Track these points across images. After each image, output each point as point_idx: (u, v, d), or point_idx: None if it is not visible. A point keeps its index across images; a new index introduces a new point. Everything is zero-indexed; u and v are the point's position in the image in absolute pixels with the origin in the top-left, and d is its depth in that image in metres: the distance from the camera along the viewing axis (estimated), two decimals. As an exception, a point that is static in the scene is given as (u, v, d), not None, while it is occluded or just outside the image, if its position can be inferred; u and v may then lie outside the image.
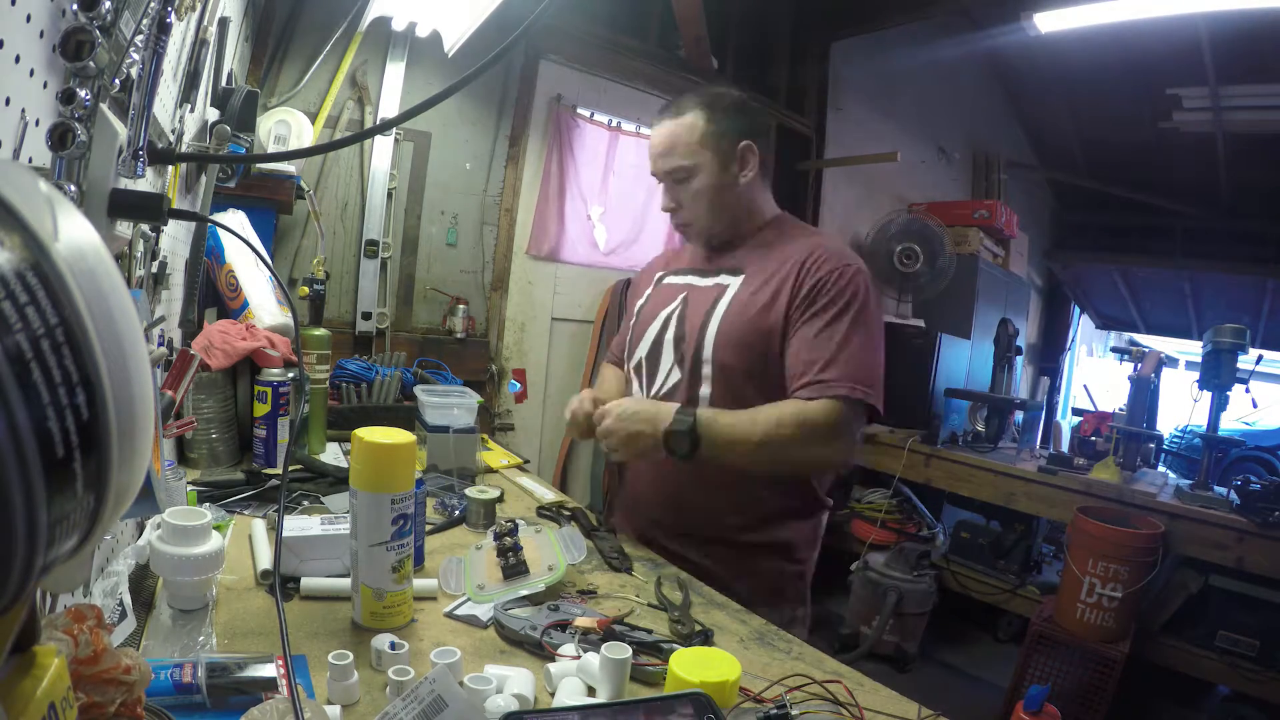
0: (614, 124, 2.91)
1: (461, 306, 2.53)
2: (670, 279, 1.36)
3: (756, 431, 1.09)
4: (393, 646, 0.79)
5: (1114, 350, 3.19)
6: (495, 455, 1.83)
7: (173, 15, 0.72)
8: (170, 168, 1.14)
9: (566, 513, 1.36)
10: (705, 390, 1.20)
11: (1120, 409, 2.95)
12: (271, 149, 1.95)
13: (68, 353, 0.26)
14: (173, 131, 1.11)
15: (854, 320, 1.12)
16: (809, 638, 1.12)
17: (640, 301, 1.39)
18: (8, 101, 0.51)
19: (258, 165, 1.81)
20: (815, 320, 1.13)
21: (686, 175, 1.22)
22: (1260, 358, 2.64)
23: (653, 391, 1.27)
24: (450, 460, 1.55)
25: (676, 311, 1.27)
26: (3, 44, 0.49)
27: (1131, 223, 5.43)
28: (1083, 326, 6.59)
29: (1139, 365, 2.82)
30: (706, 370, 1.20)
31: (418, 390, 1.74)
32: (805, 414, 1.09)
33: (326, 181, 2.27)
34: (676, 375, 1.23)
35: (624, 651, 0.79)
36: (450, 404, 1.62)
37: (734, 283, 1.22)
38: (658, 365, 1.27)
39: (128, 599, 0.78)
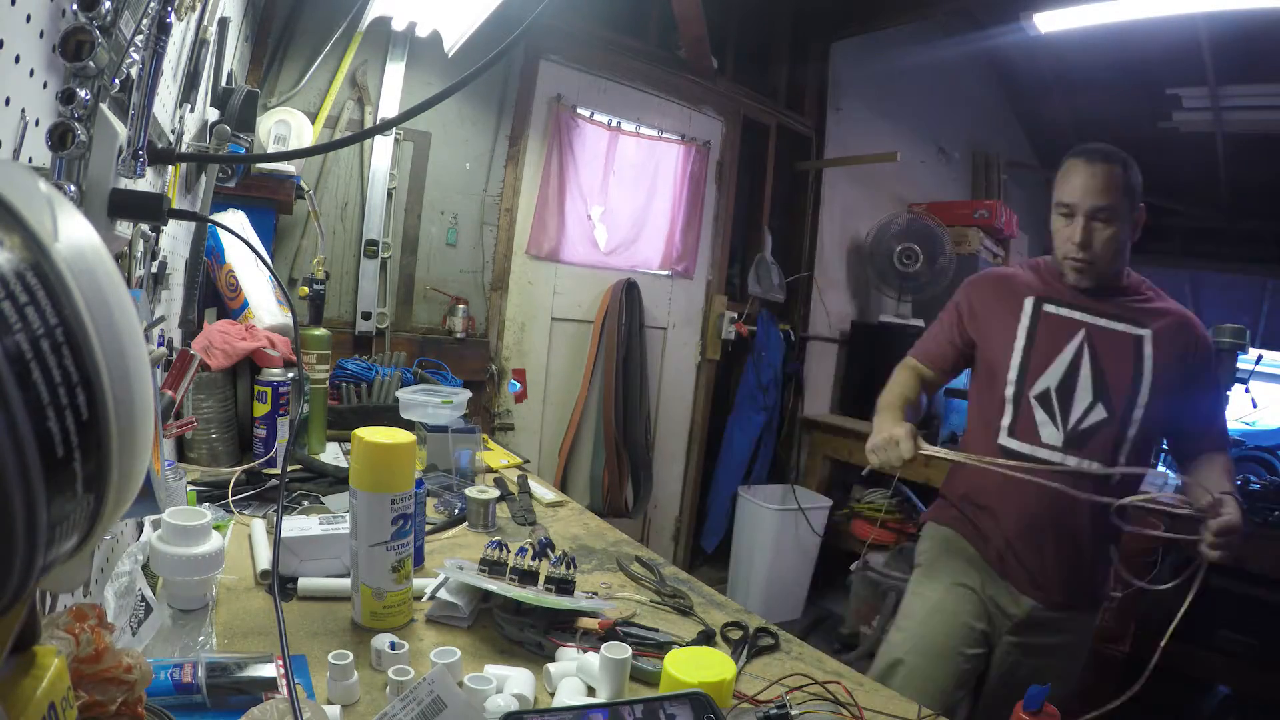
0: (614, 124, 2.91)
1: (461, 306, 2.53)
2: (1056, 310, 1.39)
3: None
4: (393, 646, 0.79)
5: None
6: (495, 455, 1.83)
7: (173, 15, 0.72)
8: (170, 168, 1.14)
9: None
10: (1132, 432, 1.31)
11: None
12: (271, 149, 1.95)
13: (68, 353, 0.26)
14: (173, 131, 1.11)
15: (1219, 389, 1.42)
16: (808, 638, 1.12)
17: (1024, 325, 1.40)
18: (8, 101, 0.51)
19: (258, 165, 1.81)
20: (1209, 389, 1.38)
21: (1108, 218, 1.31)
22: (1260, 358, 2.64)
23: (1070, 423, 1.33)
24: (450, 460, 1.55)
25: (1086, 349, 1.34)
26: (3, 44, 0.49)
27: (1131, 223, 5.42)
28: (1083, 326, 6.59)
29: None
30: (1137, 414, 1.31)
31: (400, 391, 1.70)
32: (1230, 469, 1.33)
33: (326, 181, 2.27)
34: (1102, 414, 1.32)
35: (624, 651, 0.79)
36: (426, 402, 1.58)
37: (1145, 335, 1.33)
38: (1072, 399, 1.33)
39: (149, 594, 0.77)
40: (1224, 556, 1.19)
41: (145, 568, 0.86)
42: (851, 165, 3.67)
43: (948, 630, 1.39)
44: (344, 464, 1.50)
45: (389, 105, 2.28)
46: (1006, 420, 1.37)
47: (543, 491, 1.57)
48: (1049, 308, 1.39)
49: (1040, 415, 1.34)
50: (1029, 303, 1.40)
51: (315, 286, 1.65)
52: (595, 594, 1.05)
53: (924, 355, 1.53)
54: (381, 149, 2.32)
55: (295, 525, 1.01)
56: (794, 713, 0.78)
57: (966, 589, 1.41)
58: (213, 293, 1.69)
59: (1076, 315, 1.37)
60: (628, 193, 3.00)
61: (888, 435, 1.28)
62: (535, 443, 2.88)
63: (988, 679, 1.43)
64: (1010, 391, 1.37)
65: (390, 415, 1.68)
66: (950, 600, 1.41)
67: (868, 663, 1.48)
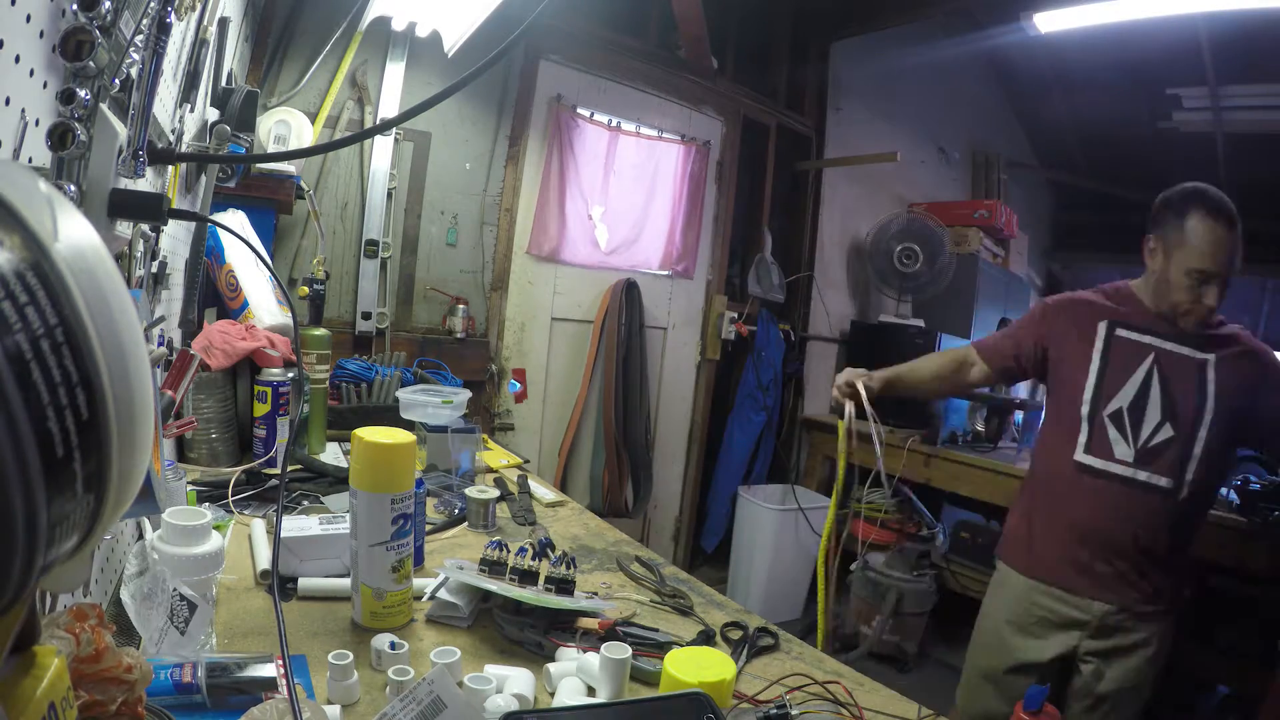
0: (614, 124, 2.91)
1: (461, 306, 2.53)
2: (1127, 334, 1.46)
3: None
4: (393, 646, 0.79)
5: (1114, 350, 3.19)
6: (495, 455, 1.83)
7: (173, 15, 0.72)
8: (170, 168, 1.14)
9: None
10: (1198, 449, 1.38)
11: (1120, 409, 2.94)
12: (271, 149, 1.95)
13: (67, 353, 0.26)
14: (173, 131, 1.11)
15: None
16: (808, 638, 1.12)
17: (1098, 348, 1.47)
18: (8, 101, 0.51)
19: (258, 165, 1.81)
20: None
21: (1228, 277, 1.40)
22: (1260, 358, 2.63)
23: (1140, 441, 1.40)
24: (450, 460, 1.55)
25: (1155, 371, 1.41)
26: (3, 44, 0.49)
27: (1131, 223, 5.38)
28: (1083, 326, 6.59)
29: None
30: (1202, 433, 1.37)
31: (400, 391, 1.71)
32: None
33: (326, 181, 2.27)
34: (1169, 432, 1.39)
35: (624, 651, 0.79)
36: (426, 402, 1.59)
37: (1209, 360, 1.40)
38: (1142, 418, 1.40)
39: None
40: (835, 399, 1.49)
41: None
42: (851, 165, 3.67)
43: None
44: (344, 464, 1.50)
45: (389, 105, 2.28)
46: (1083, 438, 1.44)
47: (543, 491, 1.57)
48: (1122, 333, 1.47)
49: (1113, 433, 1.42)
50: (1103, 326, 1.48)
51: (315, 286, 1.65)
52: (595, 594, 1.05)
53: (982, 347, 1.65)
54: (381, 149, 2.32)
55: (295, 525, 1.01)
56: (794, 713, 0.78)
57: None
58: (213, 293, 1.69)
59: (1142, 339, 1.45)
60: (628, 193, 3.00)
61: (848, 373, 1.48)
62: (535, 443, 2.88)
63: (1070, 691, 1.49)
64: (1085, 410, 1.44)
65: (390, 415, 1.68)
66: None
67: (868, 663, 1.49)
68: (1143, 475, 1.37)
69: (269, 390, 1.46)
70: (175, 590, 0.75)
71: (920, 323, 3.64)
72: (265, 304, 1.65)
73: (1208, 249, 1.38)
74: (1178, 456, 1.37)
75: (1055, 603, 1.45)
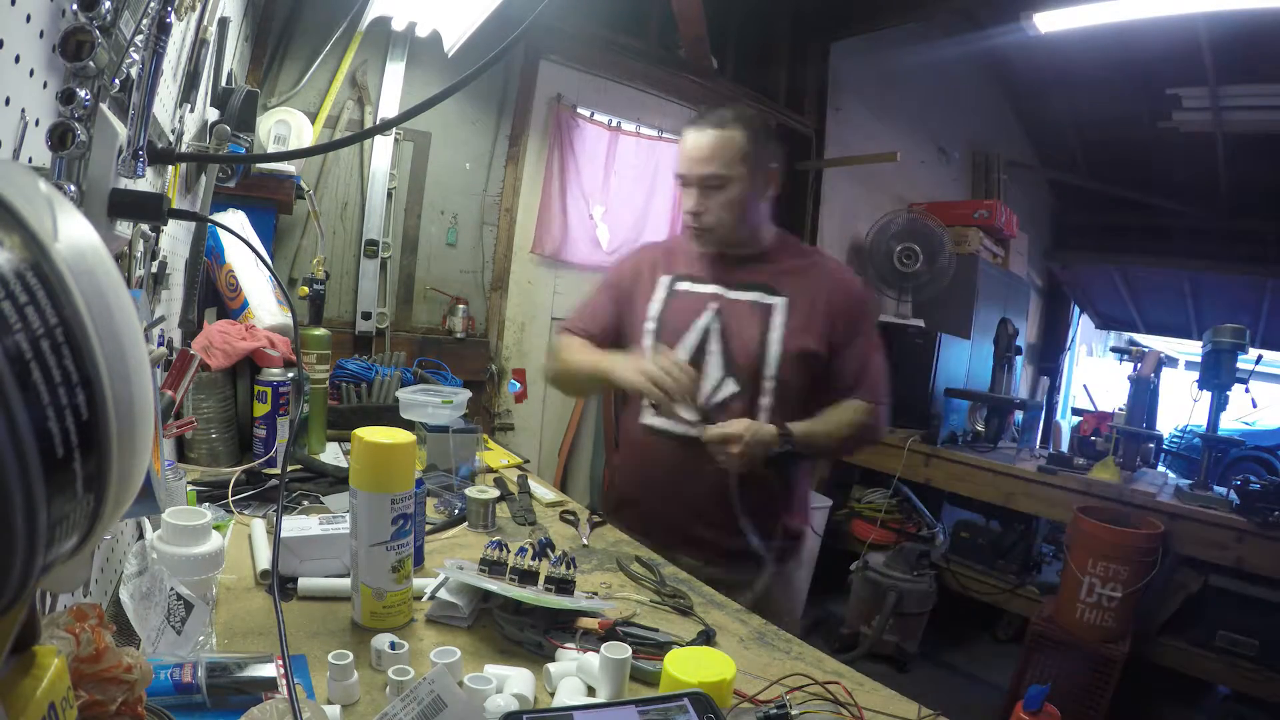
0: (614, 124, 2.91)
1: (461, 306, 2.53)
2: (687, 286, 1.39)
3: (835, 438, 1.33)
4: (393, 646, 0.79)
5: (1114, 350, 3.19)
6: (495, 455, 1.83)
7: (172, 15, 0.72)
8: (170, 168, 1.14)
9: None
10: (765, 401, 1.31)
11: (1120, 409, 2.95)
12: (271, 149, 1.95)
13: (67, 353, 0.26)
14: (173, 131, 1.11)
15: (875, 339, 1.39)
16: (808, 638, 1.13)
17: (655, 306, 1.39)
18: (8, 101, 0.51)
19: (258, 165, 1.81)
20: (855, 341, 1.35)
21: (720, 184, 1.30)
22: (1260, 357, 2.63)
23: (701, 400, 1.31)
24: (450, 460, 1.55)
25: (715, 325, 1.34)
26: (3, 44, 0.49)
27: (1131, 223, 5.42)
28: (1082, 326, 6.58)
29: (1139, 365, 2.82)
30: (768, 385, 1.31)
31: (400, 391, 1.71)
32: (862, 418, 1.34)
33: (326, 181, 2.27)
34: (732, 388, 1.32)
35: (624, 651, 0.79)
36: (426, 402, 1.58)
37: (777, 303, 1.33)
38: (702, 376, 1.32)
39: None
40: (728, 463, 1.23)
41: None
42: (851, 165, 3.67)
43: None
44: (344, 464, 1.50)
45: (389, 105, 2.28)
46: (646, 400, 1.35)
47: (543, 491, 1.57)
48: (682, 286, 1.39)
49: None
50: (667, 284, 1.40)
51: (315, 286, 1.65)
52: (595, 594, 1.05)
53: (578, 328, 1.50)
54: (381, 149, 2.32)
55: (295, 525, 1.01)
56: (794, 713, 0.78)
57: None
58: (213, 293, 1.69)
59: (703, 289, 1.37)
60: (628, 192, 3.00)
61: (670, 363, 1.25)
62: (535, 443, 2.88)
63: None
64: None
65: (390, 415, 1.67)
66: None
67: (868, 663, 1.49)
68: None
69: (269, 390, 1.46)
70: (172, 590, 0.75)
71: (920, 323, 3.65)
72: (265, 304, 1.65)
73: (681, 152, 1.32)
74: (743, 411, 1.29)
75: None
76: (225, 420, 1.46)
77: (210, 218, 1.08)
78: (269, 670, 0.69)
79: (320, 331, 1.59)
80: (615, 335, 1.46)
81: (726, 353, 1.33)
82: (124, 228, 0.73)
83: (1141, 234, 5.40)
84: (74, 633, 0.46)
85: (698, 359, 1.33)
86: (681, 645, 0.90)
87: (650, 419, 1.39)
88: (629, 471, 1.48)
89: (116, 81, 0.69)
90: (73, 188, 0.60)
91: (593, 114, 2.85)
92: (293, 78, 2.15)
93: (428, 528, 1.23)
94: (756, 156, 1.30)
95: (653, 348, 1.37)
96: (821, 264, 1.41)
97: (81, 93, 0.59)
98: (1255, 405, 2.96)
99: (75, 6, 0.57)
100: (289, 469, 1.40)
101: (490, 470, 1.71)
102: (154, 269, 1.05)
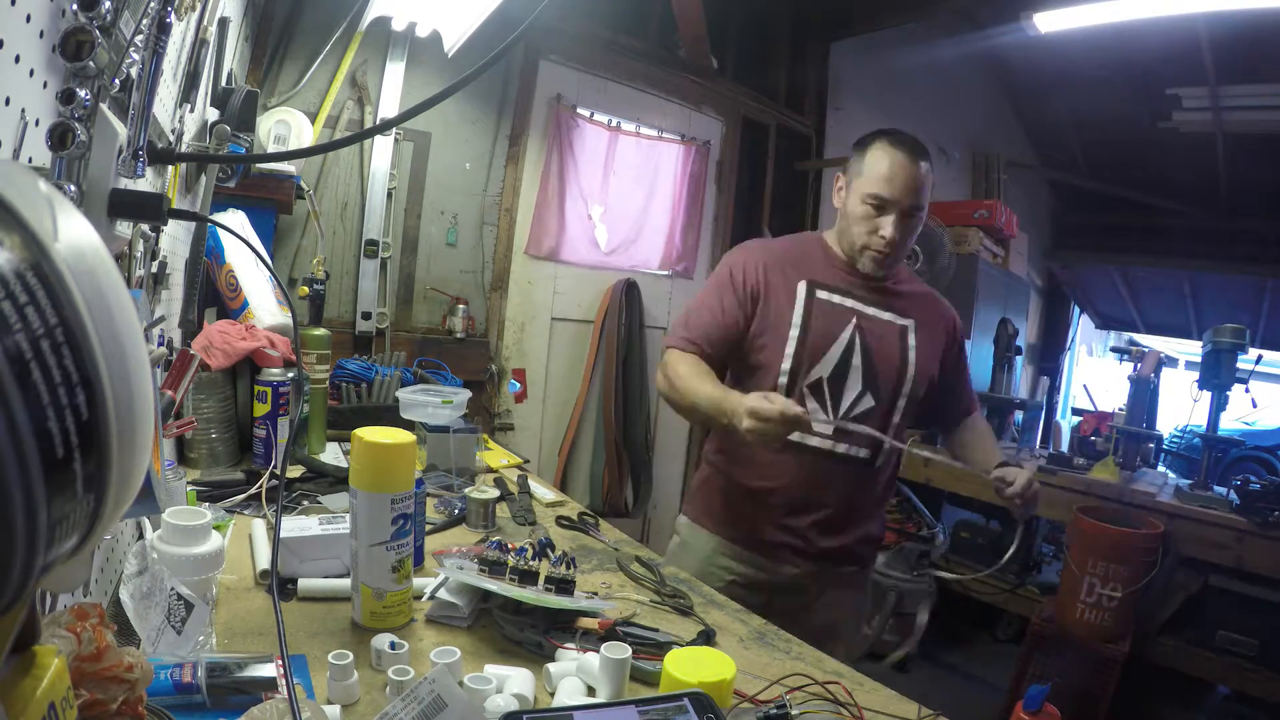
0: (614, 124, 2.91)
1: (461, 306, 2.53)
2: (828, 296, 1.36)
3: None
4: (393, 646, 0.79)
5: (1114, 350, 3.19)
6: (495, 455, 1.83)
7: (172, 15, 0.72)
8: (170, 168, 1.14)
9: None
10: (896, 419, 1.37)
11: (1120, 409, 2.95)
12: (271, 149, 1.95)
13: (67, 353, 0.26)
14: (173, 131, 1.11)
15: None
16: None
17: (798, 312, 1.34)
18: (8, 101, 0.51)
19: (258, 165, 1.81)
20: (962, 366, 1.51)
21: (918, 215, 1.34)
22: (1260, 357, 2.64)
23: (840, 412, 1.34)
24: (450, 460, 1.55)
25: (857, 340, 1.35)
26: (3, 44, 0.49)
27: (1131, 223, 5.42)
28: (1082, 326, 6.58)
29: (1139, 365, 2.82)
30: (901, 403, 1.37)
31: (400, 391, 1.70)
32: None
33: (326, 181, 2.27)
34: (870, 402, 1.35)
35: (624, 651, 0.79)
36: (426, 402, 1.58)
37: (909, 325, 1.39)
38: (843, 389, 1.34)
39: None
40: (1027, 514, 1.37)
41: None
42: (851, 165, 3.67)
43: None
44: (344, 464, 1.50)
45: (389, 105, 2.28)
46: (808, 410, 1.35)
47: (543, 491, 1.57)
48: (823, 295, 1.36)
49: (810, 404, 1.33)
50: (805, 289, 1.36)
51: (315, 286, 1.65)
52: (595, 594, 1.05)
53: (694, 347, 1.41)
54: (381, 149, 2.32)
55: (295, 525, 1.01)
56: (794, 713, 0.78)
57: None
58: (213, 293, 1.69)
59: (844, 303, 1.37)
60: (628, 193, 3.00)
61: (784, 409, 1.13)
62: (535, 443, 2.88)
63: None
64: (802, 385, 1.33)
65: (390, 415, 1.67)
66: None
67: (868, 663, 1.49)
68: (841, 448, 1.32)
69: (269, 390, 1.46)
70: (172, 589, 0.75)
71: (920, 323, 3.64)
72: (265, 304, 1.65)
73: (885, 173, 1.29)
74: (878, 425, 1.31)
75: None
76: (225, 420, 1.46)
77: (210, 218, 1.08)
78: (269, 670, 0.69)
79: (320, 331, 1.59)
80: (735, 338, 1.37)
81: (869, 368, 1.34)
82: (124, 228, 0.73)
83: (1141, 234, 5.40)
84: (75, 632, 0.46)
85: (841, 370, 1.34)
86: (681, 645, 0.90)
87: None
88: (752, 478, 1.38)
89: (116, 81, 0.69)
90: (73, 188, 0.60)
91: (592, 114, 2.85)
92: (293, 78, 2.15)
93: (428, 528, 1.23)
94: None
95: (789, 363, 1.32)
96: (931, 293, 1.49)
97: (81, 93, 0.59)
98: (1255, 405, 2.96)
99: (75, 6, 0.57)
100: (289, 469, 1.40)
101: (490, 470, 1.71)
102: (154, 269, 1.05)
